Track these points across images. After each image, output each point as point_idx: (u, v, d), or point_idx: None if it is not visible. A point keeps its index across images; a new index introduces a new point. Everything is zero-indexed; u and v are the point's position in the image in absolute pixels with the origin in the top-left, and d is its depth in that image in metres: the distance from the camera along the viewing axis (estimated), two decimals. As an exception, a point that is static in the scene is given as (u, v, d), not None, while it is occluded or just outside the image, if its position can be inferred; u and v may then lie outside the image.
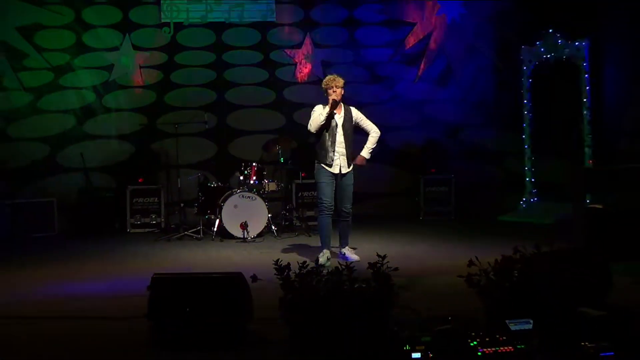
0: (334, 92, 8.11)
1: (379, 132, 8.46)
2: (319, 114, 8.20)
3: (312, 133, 8.34)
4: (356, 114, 8.40)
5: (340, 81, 8.20)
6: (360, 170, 8.62)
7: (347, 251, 8.46)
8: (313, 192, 11.41)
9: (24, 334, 5.78)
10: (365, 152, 8.38)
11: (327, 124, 8.19)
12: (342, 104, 8.31)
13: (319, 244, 8.54)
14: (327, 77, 8.34)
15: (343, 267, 5.08)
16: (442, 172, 12.39)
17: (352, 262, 7.43)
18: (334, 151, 8.24)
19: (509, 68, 12.69)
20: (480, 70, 13.31)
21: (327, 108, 8.16)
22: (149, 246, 10.21)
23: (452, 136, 13.13)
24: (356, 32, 13.41)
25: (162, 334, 5.29)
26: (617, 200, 8.88)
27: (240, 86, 13.08)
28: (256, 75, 13.15)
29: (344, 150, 8.27)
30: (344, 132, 8.27)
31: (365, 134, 8.60)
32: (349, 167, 8.32)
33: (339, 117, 8.28)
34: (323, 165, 8.29)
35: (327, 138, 8.23)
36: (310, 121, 8.26)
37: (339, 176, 8.30)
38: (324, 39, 13.30)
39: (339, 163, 8.27)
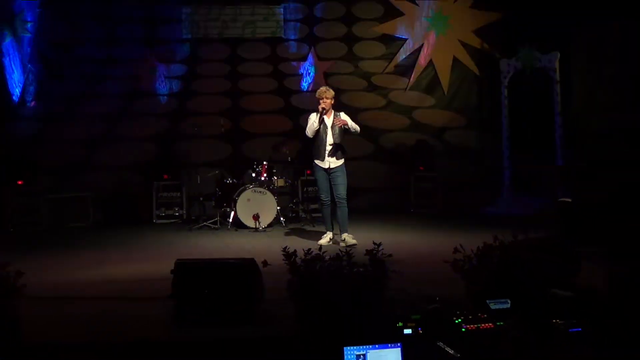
0: (323, 102, 8.57)
1: (359, 129, 8.77)
2: (313, 121, 8.64)
3: (308, 137, 8.77)
4: (344, 117, 8.68)
5: (331, 93, 8.68)
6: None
7: (347, 236, 8.59)
8: (316, 188, 11.43)
9: (63, 313, 5.80)
10: (348, 121, 8.65)
11: (319, 127, 8.61)
12: (332, 110, 8.68)
13: (323, 230, 9.11)
14: (319, 89, 8.79)
15: (343, 253, 5.09)
16: (429, 169, 12.38)
17: (351, 245, 7.72)
18: (324, 149, 8.62)
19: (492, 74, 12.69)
20: (463, 80, 13.31)
21: (319, 115, 8.62)
22: (172, 235, 10.23)
23: (439, 137, 13.12)
24: (355, 47, 13.39)
25: (184, 312, 5.30)
26: (584, 194, 8.88)
27: (253, 94, 13.07)
28: (266, 84, 13.14)
29: (333, 149, 8.61)
30: (333, 133, 8.61)
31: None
32: (337, 162, 8.66)
33: (328, 121, 8.65)
34: (316, 161, 8.73)
35: (319, 138, 8.64)
36: (307, 128, 8.72)
37: (329, 170, 8.66)
38: (327, 52, 13.29)
39: (329, 159, 8.64)
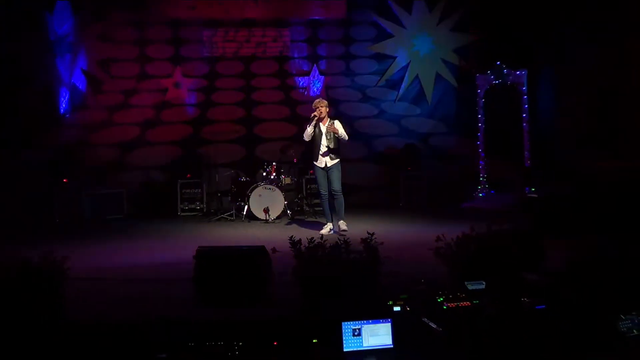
0: (318, 110, 8.63)
1: (347, 138, 8.79)
2: (308, 127, 8.72)
3: (306, 141, 8.85)
4: (337, 125, 8.66)
5: (324, 103, 8.74)
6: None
7: (341, 223, 8.71)
8: (317, 185, 11.43)
9: (101, 292, 5.81)
10: (339, 129, 8.65)
11: (315, 132, 8.69)
12: (327, 117, 8.70)
13: (324, 221, 9.07)
14: (315, 100, 8.86)
15: (341, 242, 5.10)
16: (416, 169, 12.36)
17: (343, 230, 8.26)
18: (320, 151, 8.67)
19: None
20: (444, 92, 13.29)
21: (312, 123, 8.67)
22: (194, 226, 10.23)
23: (424, 142, 13.10)
24: (351, 64, 13.39)
25: (204, 292, 5.30)
26: (548, 191, 8.86)
27: (263, 104, 13.07)
28: (275, 96, 13.14)
29: (328, 151, 8.65)
30: (327, 138, 8.64)
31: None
32: (332, 161, 8.67)
33: (323, 127, 8.67)
34: (314, 162, 8.77)
35: (316, 142, 8.70)
36: (304, 134, 8.80)
37: (326, 168, 8.68)
38: (327, 68, 13.29)
39: (325, 159, 8.67)
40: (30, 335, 4.21)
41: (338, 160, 8.75)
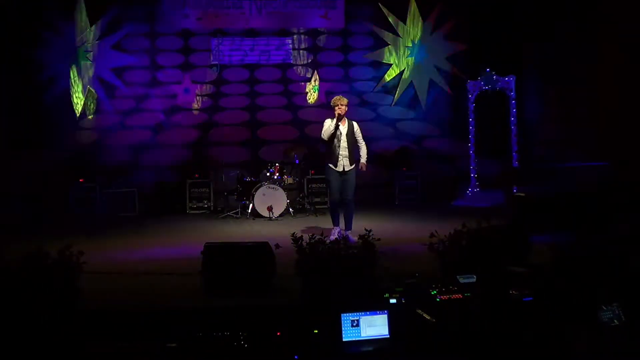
0: (339, 108, 7.61)
1: (365, 146, 7.93)
2: (329, 125, 7.70)
3: (324, 141, 7.79)
4: (356, 128, 7.84)
5: (345, 100, 7.70)
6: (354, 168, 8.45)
7: (350, 234, 7.94)
8: (320, 184, 11.42)
9: (114, 284, 5.79)
10: (364, 160, 7.91)
11: (334, 133, 7.67)
12: (345, 118, 7.74)
13: (331, 226, 8.06)
14: (335, 97, 7.78)
15: (341, 237, 5.08)
16: (411, 170, 12.36)
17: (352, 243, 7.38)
18: (339, 154, 7.69)
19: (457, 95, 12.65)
20: (437, 97, 13.28)
21: (335, 120, 7.69)
22: (202, 223, 10.21)
23: (418, 144, 13.09)
24: (350, 70, 13.37)
25: (211, 285, 5.29)
26: (534, 190, 8.84)
27: (267, 109, 13.05)
28: (278, 101, 13.12)
29: (347, 154, 7.70)
30: (347, 139, 7.69)
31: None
32: (350, 166, 7.75)
33: (343, 128, 7.70)
34: (330, 165, 7.75)
35: (334, 144, 7.68)
36: (323, 131, 7.73)
37: (343, 173, 7.74)
38: (327, 75, 13.27)
39: (343, 163, 7.70)
40: (47, 322, 4.21)
41: (354, 165, 7.79)
